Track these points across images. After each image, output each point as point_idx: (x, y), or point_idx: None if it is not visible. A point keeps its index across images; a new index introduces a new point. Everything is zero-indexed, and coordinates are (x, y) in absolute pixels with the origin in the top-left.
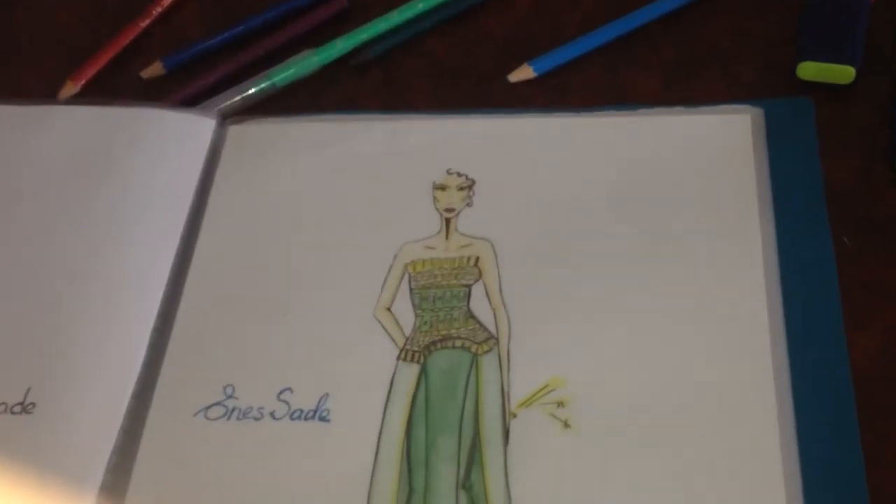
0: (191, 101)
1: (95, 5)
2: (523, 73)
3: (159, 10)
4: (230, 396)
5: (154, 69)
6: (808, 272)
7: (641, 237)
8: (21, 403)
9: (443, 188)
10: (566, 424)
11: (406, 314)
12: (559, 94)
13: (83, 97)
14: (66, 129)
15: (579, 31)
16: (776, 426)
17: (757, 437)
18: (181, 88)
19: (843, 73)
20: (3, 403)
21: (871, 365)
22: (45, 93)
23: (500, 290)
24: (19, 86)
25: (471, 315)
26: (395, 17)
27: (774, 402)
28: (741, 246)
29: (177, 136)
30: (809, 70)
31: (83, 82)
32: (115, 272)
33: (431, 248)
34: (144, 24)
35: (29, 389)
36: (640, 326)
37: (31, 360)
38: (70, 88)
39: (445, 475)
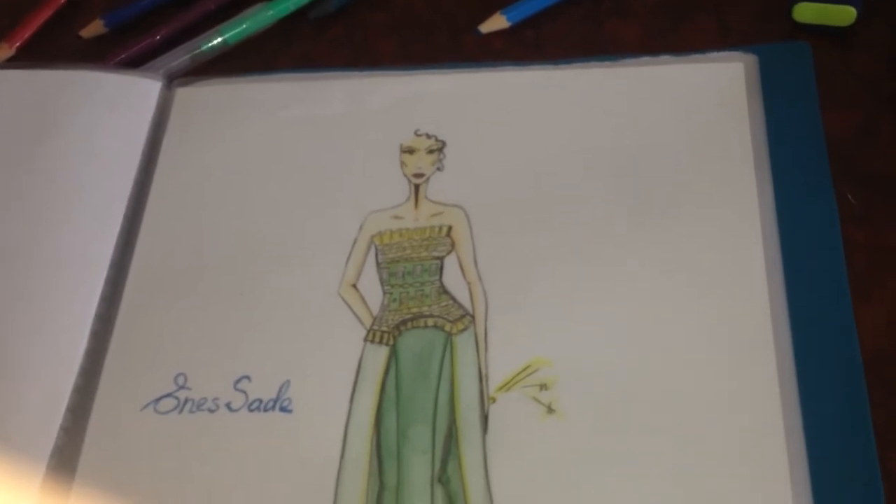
0: (135, 63)
1: None
2: (496, 24)
3: None
4: (182, 387)
5: (94, 28)
6: (811, 235)
7: (628, 201)
8: None
9: (411, 151)
10: (550, 409)
11: (373, 291)
12: (535, 45)
13: (18, 60)
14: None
15: None
16: (779, 408)
17: (758, 421)
18: (123, 48)
19: (842, 14)
20: None
21: (880, 337)
22: None
23: (476, 263)
24: None
25: (444, 290)
26: None
27: (777, 381)
28: (737, 208)
29: (119, 101)
30: (806, 12)
31: (18, 44)
32: (53, 252)
33: (400, 217)
34: None
35: None
36: (629, 300)
37: None
38: (5, 51)
39: (419, 469)
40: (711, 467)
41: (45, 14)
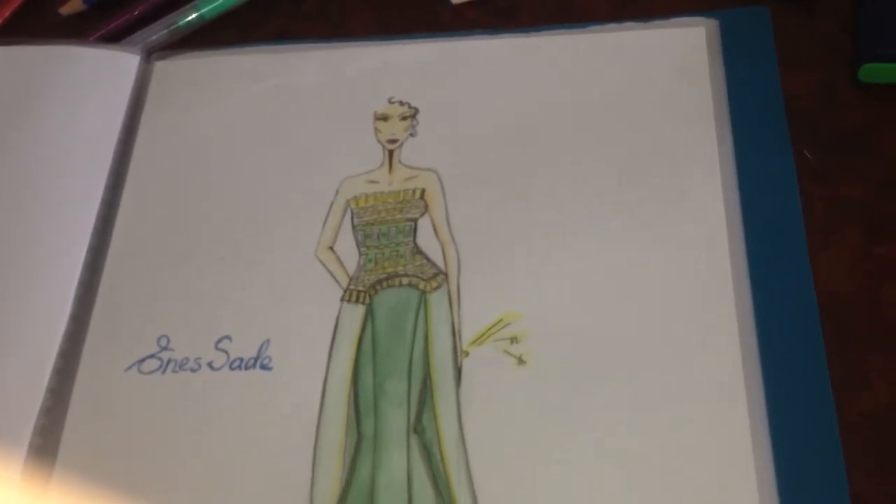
0: (113, 38)
1: None
2: None
3: None
4: (165, 348)
5: (73, 5)
6: (769, 189)
7: (595, 162)
8: None
9: (384, 118)
10: (521, 361)
11: (349, 253)
12: (507, 15)
13: None
14: None
15: None
16: (739, 353)
17: (719, 367)
18: (102, 24)
19: None
20: None
21: (836, 286)
22: None
23: (448, 223)
24: None
25: (418, 251)
26: None
27: (737, 329)
28: (699, 165)
29: (98, 75)
30: None
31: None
32: (38, 219)
33: (374, 181)
34: None
35: None
36: (596, 256)
37: None
38: None
39: (395, 420)
40: (673, 410)
41: None
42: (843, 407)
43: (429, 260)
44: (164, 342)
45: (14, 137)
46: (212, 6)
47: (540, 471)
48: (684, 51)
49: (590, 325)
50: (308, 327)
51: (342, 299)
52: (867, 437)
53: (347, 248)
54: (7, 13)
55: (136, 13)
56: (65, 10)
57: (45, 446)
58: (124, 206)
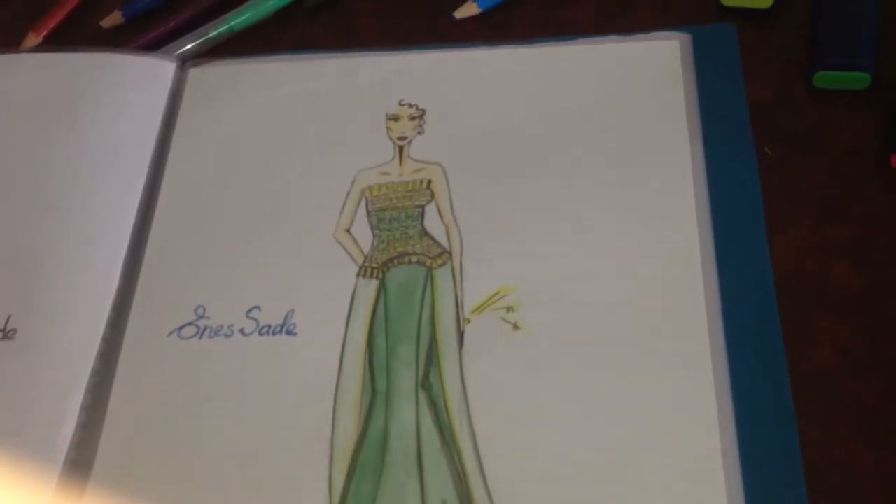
0: (151, 47)
1: None
2: (468, 10)
3: None
4: (201, 317)
5: (113, 18)
6: (733, 181)
7: (581, 157)
8: (2, 330)
9: (395, 118)
10: (516, 326)
11: (364, 235)
12: (502, 29)
13: (46, 47)
14: (33, 74)
15: None
16: (705, 319)
17: (689, 328)
18: (141, 35)
19: None
20: None
21: (790, 262)
22: (7, 45)
23: (452, 209)
24: None
25: (425, 233)
26: None
27: (703, 298)
28: (672, 161)
29: (138, 80)
30: None
31: (45, 33)
32: (87, 207)
33: (386, 173)
34: None
35: (10, 317)
36: (581, 236)
37: (9, 290)
38: (32, 39)
39: (405, 378)
40: (647, 365)
41: (68, 6)
42: (793, 362)
43: (435, 241)
44: (200, 311)
45: (64, 134)
46: (240, 20)
47: (532, 420)
48: (661, 61)
49: (574, 296)
50: (328, 299)
51: (358, 275)
52: (814, 387)
53: (362, 231)
54: (53, 24)
55: (171, 25)
56: (105, 23)
57: (96, 404)
58: (163, 195)
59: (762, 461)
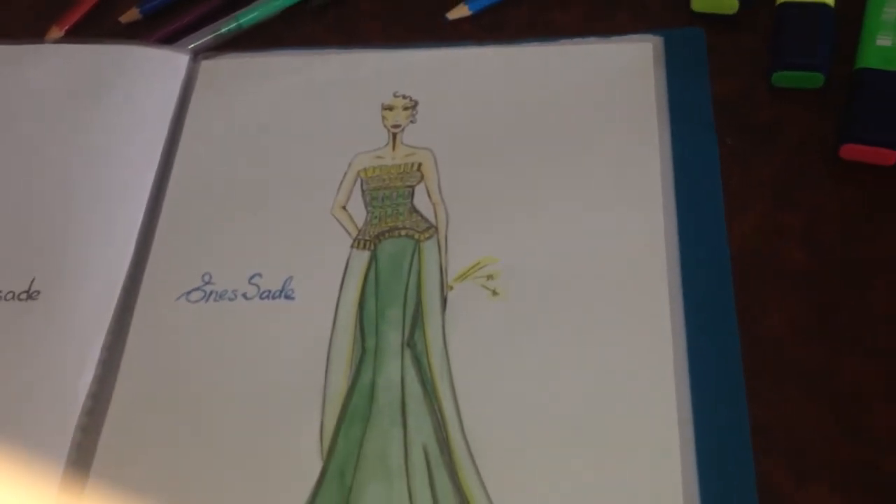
0: (166, 41)
1: None
2: (460, 12)
3: None
4: (208, 283)
5: (131, 14)
6: (697, 168)
7: (560, 143)
8: (27, 291)
9: (390, 108)
10: (494, 293)
11: (359, 211)
12: (491, 29)
13: (68, 39)
14: (56, 63)
15: None
16: (666, 287)
17: (650, 297)
18: (157, 30)
19: (728, 4)
20: (11, 292)
21: (745, 242)
22: (32, 37)
23: (439, 189)
24: (6, 32)
25: (414, 210)
26: None
27: (665, 269)
28: (642, 147)
29: (154, 70)
30: (701, 3)
31: (67, 27)
32: (106, 183)
33: (380, 157)
34: None
35: (33, 280)
36: (556, 214)
37: (34, 256)
38: (55, 32)
39: (392, 337)
40: (611, 330)
41: (89, 3)
42: (746, 330)
43: (423, 217)
44: (207, 278)
45: (86, 118)
46: (249, 17)
47: (506, 375)
48: (635, 61)
49: (548, 267)
50: (324, 267)
51: (352, 246)
52: (763, 352)
53: (357, 207)
54: (75, 19)
55: (185, 21)
56: (124, 19)
57: (111, 360)
58: (175, 174)
59: (713, 414)
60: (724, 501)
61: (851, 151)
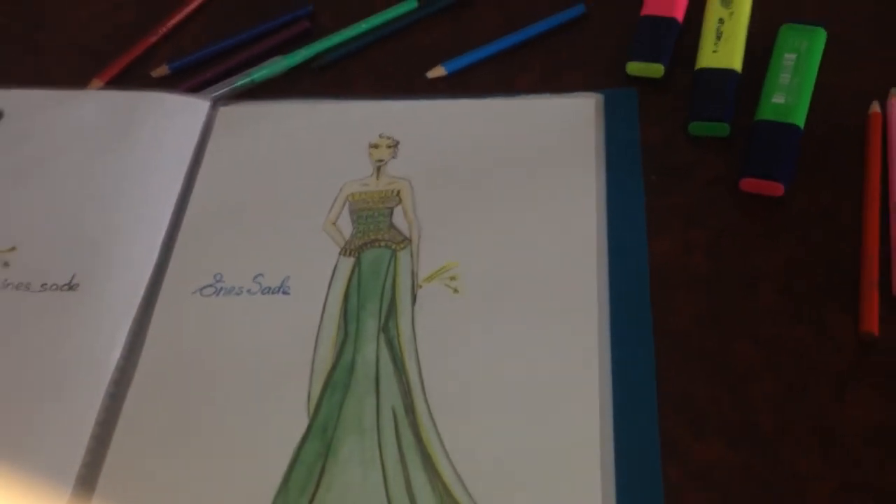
0: (191, 92)
1: (115, 26)
2: (438, 72)
3: (164, 30)
4: (219, 281)
5: (161, 70)
6: (625, 197)
7: (514, 175)
8: (68, 284)
9: (376, 146)
10: (455, 290)
11: (346, 228)
12: (463, 86)
13: (107, 87)
14: (95, 106)
15: (480, 44)
16: (595, 290)
17: (581, 297)
18: (182, 83)
19: (655, 70)
20: (55, 284)
21: (664, 258)
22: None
23: (414, 211)
24: (58, 80)
25: (392, 226)
26: (345, 34)
27: (595, 275)
28: (582, 179)
29: (179, 114)
30: (634, 68)
31: (106, 80)
32: (136, 202)
33: (366, 184)
34: (153, 40)
35: (74, 275)
36: (507, 230)
37: (75, 256)
38: (96, 84)
39: (370, 325)
40: (549, 321)
41: (125, 60)
42: (659, 324)
43: (399, 231)
44: (218, 277)
45: (121, 148)
46: (260, 73)
47: (462, 354)
48: (580, 113)
49: (500, 270)
50: (316, 270)
51: (340, 254)
52: (672, 341)
53: (345, 224)
54: (113, 73)
55: (207, 76)
56: (155, 74)
57: (135, 339)
58: (195, 196)
59: (628, 386)
60: (631, 447)
61: (749, 185)
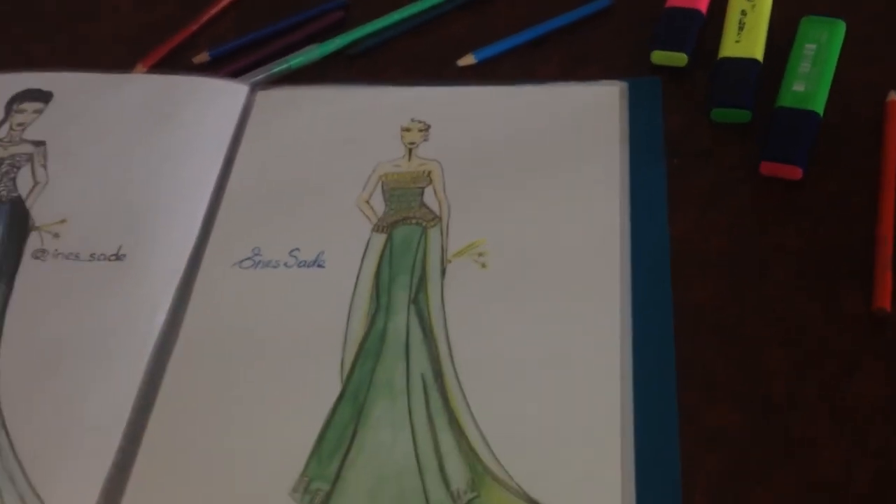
0: (231, 77)
1: (156, 19)
2: (467, 60)
3: (204, 19)
4: (257, 255)
5: (202, 57)
6: (648, 179)
7: (541, 158)
8: (115, 254)
9: (408, 130)
10: (483, 265)
11: (378, 207)
12: (491, 75)
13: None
14: (140, 89)
15: (505, 36)
16: (618, 265)
17: (604, 271)
18: (222, 69)
19: (678, 59)
20: (104, 254)
21: (684, 237)
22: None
23: (444, 190)
24: (104, 65)
25: (423, 205)
26: (377, 24)
27: (618, 252)
28: (607, 163)
29: (220, 98)
30: (658, 56)
31: (149, 65)
32: (178, 177)
33: (398, 165)
34: (193, 29)
35: (121, 246)
36: (533, 208)
37: (122, 228)
38: (140, 69)
39: (401, 296)
40: (572, 295)
41: (168, 47)
42: (678, 298)
43: (430, 210)
44: (256, 251)
45: (164, 129)
46: (297, 60)
47: (488, 324)
48: (606, 100)
49: (526, 246)
50: (349, 245)
51: (372, 230)
52: (689, 314)
53: (377, 204)
54: (156, 59)
55: (245, 63)
56: (196, 60)
57: (178, 306)
58: (234, 173)
59: (648, 353)
60: (648, 411)
61: (769, 168)
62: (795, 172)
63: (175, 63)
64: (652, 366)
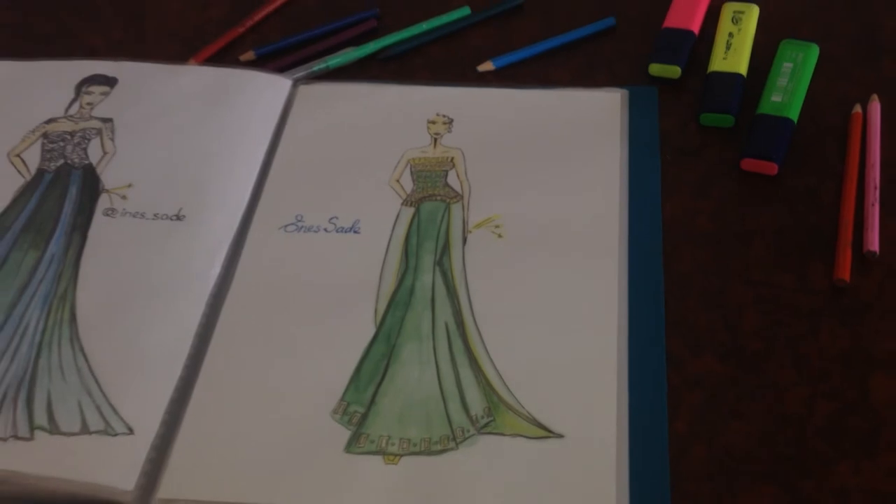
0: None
1: (205, 21)
2: (487, 66)
3: (251, 23)
4: (300, 220)
5: (248, 55)
6: (644, 170)
7: (550, 151)
8: (176, 214)
9: (433, 122)
10: (500, 235)
11: (407, 185)
12: (508, 79)
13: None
14: (195, 78)
15: (523, 47)
16: (616, 239)
17: (604, 242)
18: (267, 66)
19: (673, 71)
20: (165, 214)
21: (675, 215)
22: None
23: (466, 174)
24: (162, 56)
25: (447, 185)
26: (408, 32)
27: (617, 228)
28: (609, 157)
29: (265, 90)
30: (655, 69)
31: (200, 61)
32: (230, 155)
33: (425, 152)
34: (240, 31)
35: (181, 208)
36: (543, 190)
37: (182, 192)
38: (193, 64)
39: (427, 259)
40: (577, 261)
41: (217, 45)
42: (667, 268)
43: (453, 189)
44: (299, 217)
45: (216, 114)
46: (335, 61)
47: (504, 282)
48: (608, 104)
49: (536, 222)
50: (382, 215)
51: (402, 204)
52: (677, 282)
53: (407, 183)
54: (206, 55)
55: (288, 62)
56: (243, 58)
57: (230, 262)
58: (279, 154)
59: (640, 313)
60: (641, 360)
61: (748, 164)
62: (772, 168)
63: (223, 61)
64: (645, 322)
